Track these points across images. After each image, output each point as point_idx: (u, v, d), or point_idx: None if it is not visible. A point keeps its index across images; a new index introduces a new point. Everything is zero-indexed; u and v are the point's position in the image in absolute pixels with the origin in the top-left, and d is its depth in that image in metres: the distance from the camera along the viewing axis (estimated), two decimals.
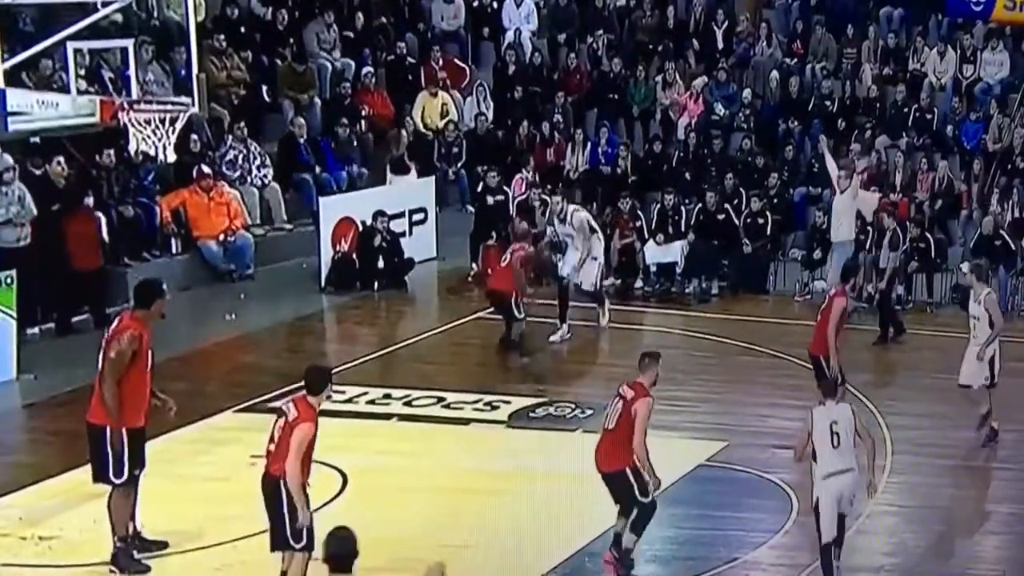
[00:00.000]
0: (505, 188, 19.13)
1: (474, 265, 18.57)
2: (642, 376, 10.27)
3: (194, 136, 18.30)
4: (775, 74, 21.57)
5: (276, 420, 9.16)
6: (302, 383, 9.26)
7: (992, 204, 18.71)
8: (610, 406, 10.33)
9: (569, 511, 11.29)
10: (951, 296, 17.54)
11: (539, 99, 21.62)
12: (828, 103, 21.09)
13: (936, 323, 16.59)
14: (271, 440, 9.07)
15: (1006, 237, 17.71)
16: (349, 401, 13.82)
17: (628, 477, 10.18)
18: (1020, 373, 15.16)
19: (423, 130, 20.85)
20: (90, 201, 16.17)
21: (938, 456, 12.95)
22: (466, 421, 13.55)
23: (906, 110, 20.80)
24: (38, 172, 15.81)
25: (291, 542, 9.00)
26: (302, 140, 19.46)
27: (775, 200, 18.71)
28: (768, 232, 17.93)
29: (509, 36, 22.78)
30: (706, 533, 11.23)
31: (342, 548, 6.72)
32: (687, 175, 19.77)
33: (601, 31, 22.71)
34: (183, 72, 18.89)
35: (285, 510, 8.94)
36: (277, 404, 9.44)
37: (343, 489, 11.52)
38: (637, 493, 10.23)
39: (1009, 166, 19.48)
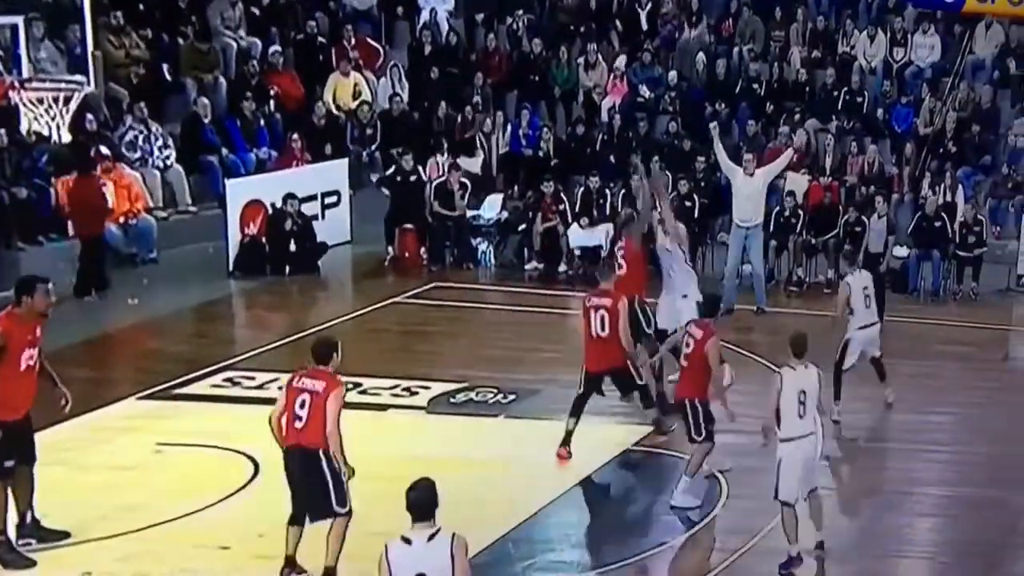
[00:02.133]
0: (420, 169, 19.16)
1: (390, 249, 18.60)
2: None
3: (90, 116, 18.11)
4: (701, 56, 21.81)
5: (294, 397, 9.37)
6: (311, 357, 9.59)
7: (923, 188, 19.11)
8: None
9: (493, 497, 11.33)
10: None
11: (457, 80, 21.65)
12: (756, 86, 21.37)
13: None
14: (295, 418, 9.35)
15: (945, 219, 18.09)
16: (260, 387, 13.73)
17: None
18: (955, 356, 15.64)
19: (335, 111, 20.80)
20: None
21: (871, 440, 13.24)
22: (384, 407, 13.53)
23: (836, 93, 21.14)
24: None
25: (336, 508, 9.44)
26: (206, 120, 19.35)
27: (702, 184, 18.90)
28: (696, 216, 18.09)
29: (425, 15, 22.82)
30: (634, 518, 11.37)
31: (424, 497, 7.07)
32: (611, 158, 19.91)
33: (521, 11, 22.81)
34: (78, 50, 18.75)
35: (329, 478, 9.36)
36: (285, 382, 9.66)
37: (254, 477, 11.45)
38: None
39: (941, 150, 19.91)
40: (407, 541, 6.99)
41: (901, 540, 11.23)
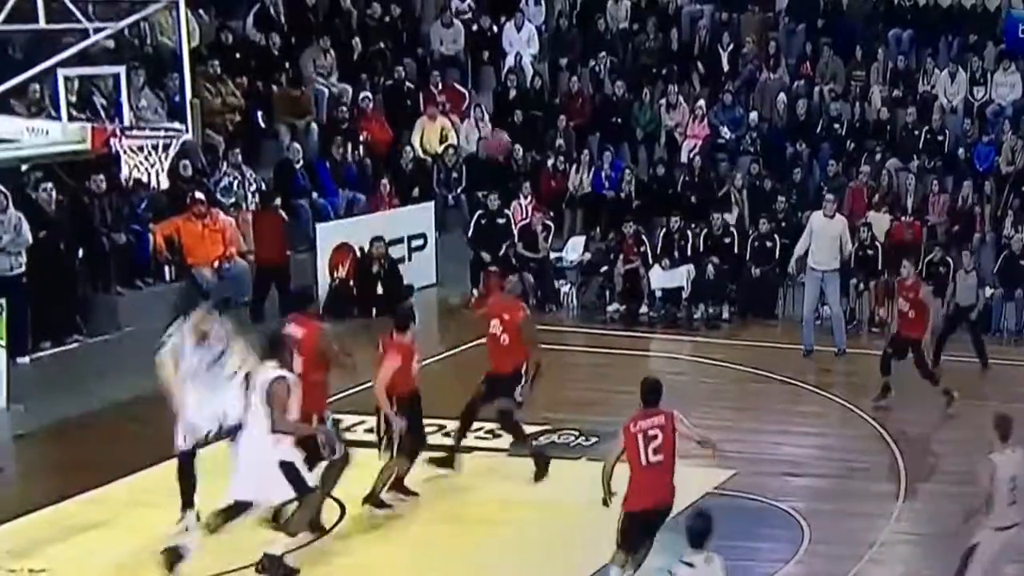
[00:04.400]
0: (506, 211, 19.20)
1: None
2: None
3: (186, 162, 18.33)
4: (782, 96, 21.64)
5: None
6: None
7: (1006, 227, 18.75)
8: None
9: (573, 541, 11.24)
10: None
11: (540, 123, 21.67)
12: (837, 126, 21.17)
13: (949, 348, 16.44)
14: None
15: None
16: (347, 430, 13.71)
17: None
18: None
19: (422, 155, 20.90)
20: None
21: (954, 483, 12.78)
22: (468, 449, 13.47)
23: (916, 132, 20.89)
24: (34, 198, 15.87)
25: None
26: (298, 165, 19.51)
27: (783, 223, 18.71)
28: (776, 256, 17.91)
29: (510, 60, 22.87)
30: None
31: (699, 527, 8.41)
32: (692, 199, 19.79)
33: (604, 54, 22.80)
34: (176, 98, 18.95)
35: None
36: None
37: (341, 518, 11.46)
38: None
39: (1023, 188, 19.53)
40: (690, 565, 8.28)
41: None
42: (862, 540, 11.53)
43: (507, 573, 10.84)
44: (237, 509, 10.07)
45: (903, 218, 19.04)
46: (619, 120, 21.79)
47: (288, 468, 9.98)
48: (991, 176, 20.00)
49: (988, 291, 17.69)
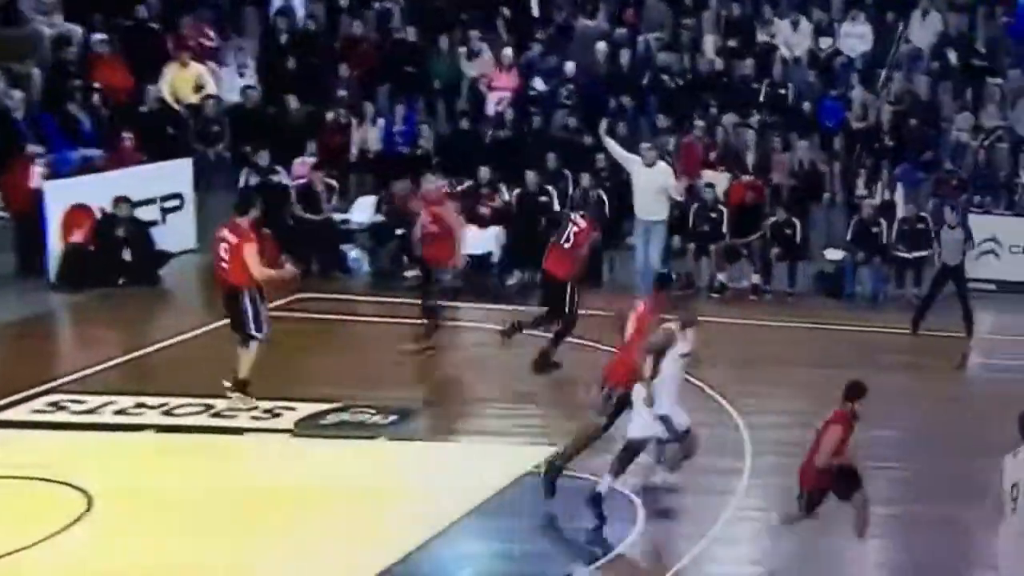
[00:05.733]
0: (278, 169, 19.39)
1: None
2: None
3: None
4: (602, 45, 22.31)
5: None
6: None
7: (858, 187, 19.77)
8: None
9: (375, 527, 11.52)
10: (814, 285, 18.81)
11: (317, 72, 21.86)
12: (665, 77, 21.96)
13: (798, 314, 17.41)
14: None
15: (882, 221, 18.90)
16: (91, 412, 13.80)
17: None
18: (898, 366, 16.18)
19: (175, 105, 20.87)
20: None
21: (800, 456, 13.46)
22: (240, 431, 13.62)
23: (756, 86, 21.86)
24: None
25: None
26: (19, 116, 19.28)
27: (607, 183, 19.35)
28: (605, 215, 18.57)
29: (277, 1, 23.03)
30: (539, 547, 11.59)
31: None
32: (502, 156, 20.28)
33: None
34: None
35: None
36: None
37: (87, 512, 11.48)
38: None
39: (876, 146, 20.63)
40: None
41: (839, 563, 11.55)
42: (705, 518, 12.06)
43: (297, 568, 10.95)
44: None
45: (743, 177, 19.90)
46: (412, 70, 22.11)
47: None
48: (840, 133, 21.07)
49: (839, 253, 18.75)
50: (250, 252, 13.76)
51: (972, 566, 11.41)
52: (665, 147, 19.48)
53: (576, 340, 15.65)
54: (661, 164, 18.28)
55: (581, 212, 15.94)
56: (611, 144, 18.28)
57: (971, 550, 11.49)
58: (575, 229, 15.31)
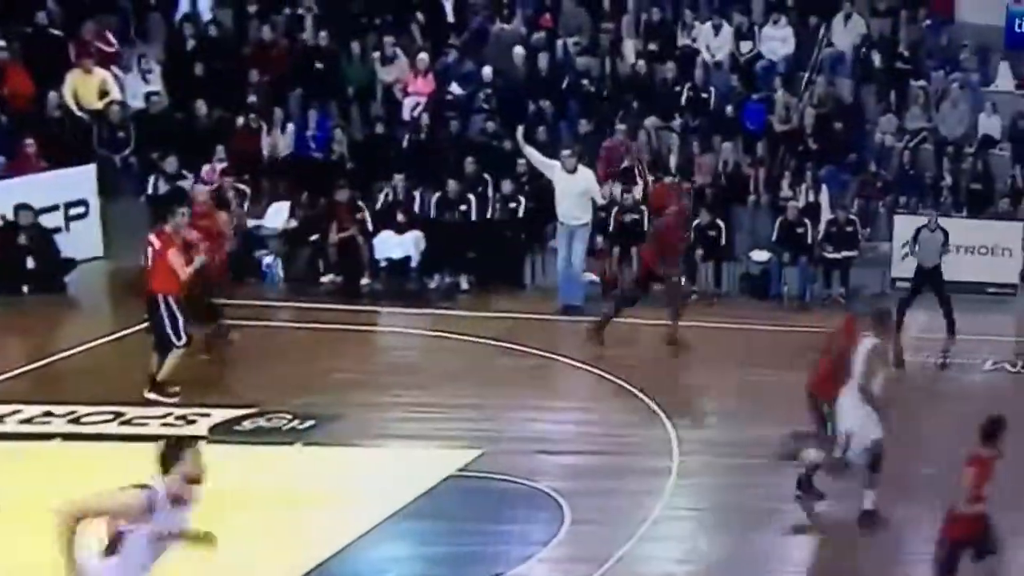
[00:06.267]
0: (185, 174, 19.17)
1: None
2: None
3: None
4: (519, 50, 22.19)
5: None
6: None
7: (783, 188, 19.77)
8: None
9: (293, 533, 11.38)
10: (739, 286, 18.94)
11: (226, 77, 21.56)
12: (585, 81, 21.87)
13: (724, 315, 17.51)
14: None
15: (807, 223, 18.94)
16: None
17: None
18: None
19: (78, 112, 20.52)
20: None
21: (729, 455, 13.48)
22: (153, 438, 13.21)
23: (678, 89, 21.81)
24: None
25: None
26: None
27: (526, 187, 19.26)
28: (520, 217, 18.52)
29: (184, 5, 22.72)
30: (464, 550, 11.41)
31: None
32: (419, 161, 20.12)
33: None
34: None
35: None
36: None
37: None
38: None
39: (799, 148, 20.64)
40: None
41: (766, 560, 11.64)
42: (632, 518, 11.98)
43: (225, 568, 10.59)
44: None
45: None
46: (324, 75, 21.86)
47: None
48: (763, 136, 21.06)
49: (764, 254, 18.84)
50: (174, 256, 14.18)
51: (898, 564, 11.59)
52: (583, 153, 19.32)
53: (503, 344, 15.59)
54: (583, 169, 18.19)
55: None
56: (530, 151, 18.29)
57: (899, 550, 11.71)
58: None
